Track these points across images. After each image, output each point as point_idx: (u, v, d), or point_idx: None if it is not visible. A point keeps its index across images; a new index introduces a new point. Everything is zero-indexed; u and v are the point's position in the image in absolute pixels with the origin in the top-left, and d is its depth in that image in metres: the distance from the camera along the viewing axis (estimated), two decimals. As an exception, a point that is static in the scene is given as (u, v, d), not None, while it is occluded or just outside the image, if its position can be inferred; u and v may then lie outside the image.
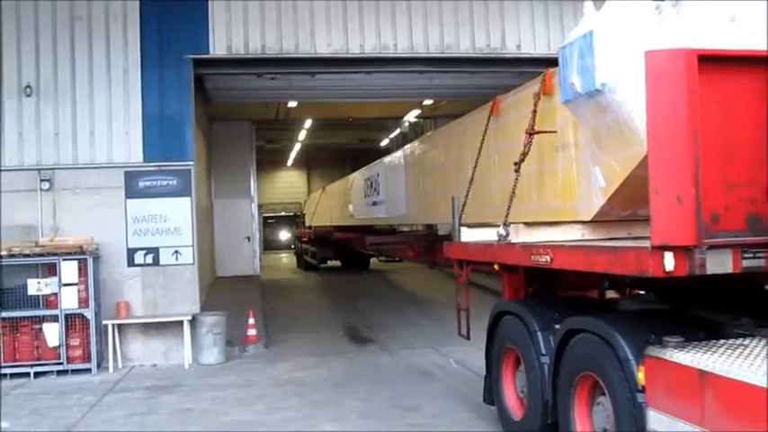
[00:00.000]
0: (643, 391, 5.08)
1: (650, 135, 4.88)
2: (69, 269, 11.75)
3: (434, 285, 21.68)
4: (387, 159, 18.70)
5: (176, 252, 12.75)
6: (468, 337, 8.61)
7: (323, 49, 13.22)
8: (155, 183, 12.72)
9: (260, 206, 52.29)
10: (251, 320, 13.57)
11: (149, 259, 12.66)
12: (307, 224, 35.93)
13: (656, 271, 4.72)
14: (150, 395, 10.42)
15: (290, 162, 49.67)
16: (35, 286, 11.71)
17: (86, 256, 11.81)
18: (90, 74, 12.60)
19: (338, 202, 26.58)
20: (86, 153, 12.55)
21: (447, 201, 9.13)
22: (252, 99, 18.61)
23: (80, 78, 12.58)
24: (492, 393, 7.88)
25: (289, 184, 53.10)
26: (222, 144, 22.68)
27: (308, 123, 30.66)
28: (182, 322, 12.39)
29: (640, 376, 5.10)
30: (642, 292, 6.45)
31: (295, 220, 44.56)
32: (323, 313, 18.78)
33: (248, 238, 23.23)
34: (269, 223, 55.33)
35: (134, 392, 10.63)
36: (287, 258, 42.55)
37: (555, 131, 7.29)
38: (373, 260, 30.41)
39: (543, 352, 6.62)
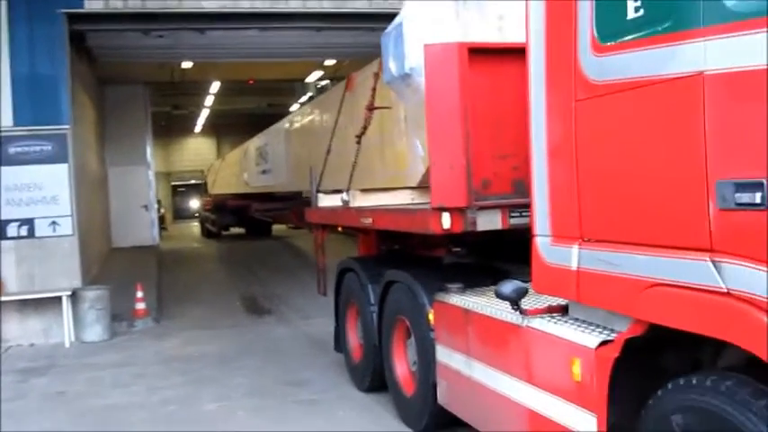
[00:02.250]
0: (433, 329, 6.07)
1: (428, 115, 5.68)
2: (-69, 244, 10.77)
3: (339, 252, 21.05)
4: (272, 128, 18.82)
5: (54, 223, 11.81)
6: (325, 294, 9.46)
7: (210, 3, 12.35)
8: (27, 149, 11.71)
9: (168, 174, 51.30)
10: (139, 294, 12.76)
11: (23, 231, 11.69)
12: (209, 192, 35.50)
13: (435, 228, 5.60)
14: (21, 378, 9.61)
15: (199, 128, 48.35)
16: None
17: (-50, 230, 10.84)
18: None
19: (235, 170, 26.51)
20: (-53, 117, 11.45)
21: (317, 169, 9.97)
22: (142, 59, 17.52)
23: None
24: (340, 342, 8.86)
25: (198, 151, 51.71)
26: (116, 109, 21.48)
27: (214, 88, 29.72)
28: (61, 298, 11.51)
29: (431, 317, 6.10)
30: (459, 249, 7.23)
31: (204, 188, 43.76)
32: (221, 283, 18.02)
33: (146, 207, 22.22)
34: (179, 192, 53.93)
35: (4, 375, 9.72)
36: (197, 227, 41.46)
37: (390, 107, 8.04)
38: (281, 227, 30.06)
39: (372, 302, 7.51)
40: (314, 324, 11.89)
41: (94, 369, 9.91)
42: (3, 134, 11.60)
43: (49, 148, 11.79)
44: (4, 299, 11.48)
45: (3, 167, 11.61)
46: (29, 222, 11.73)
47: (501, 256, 6.52)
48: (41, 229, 11.79)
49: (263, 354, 10.24)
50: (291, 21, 13.31)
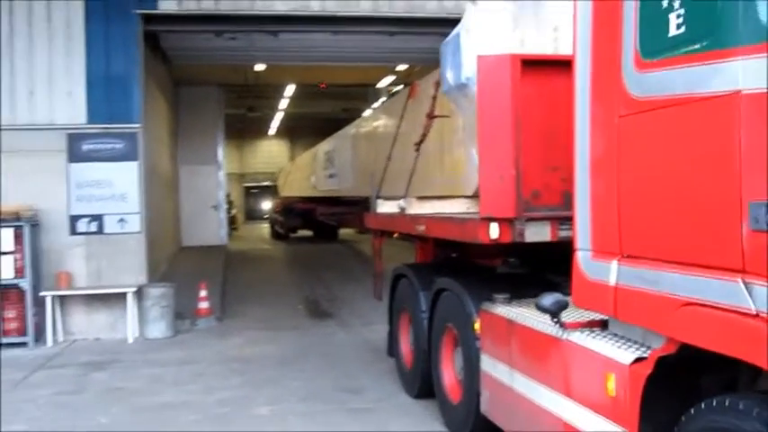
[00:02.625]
0: (479, 339, 6.18)
1: (479, 126, 5.79)
2: (4, 237, 11.24)
3: (400, 258, 21.15)
4: (340, 133, 19.33)
5: (122, 220, 12.24)
6: (380, 299, 9.78)
7: (281, 5, 12.63)
8: (100, 146, 12.17)
9: (242, 175, 52.16)
10: (202, 293, 13.09)
11: (93, 227, 12.16)
12: (279, 194, 36.31)
13: (483, 238, 5.71)
14: (83, 372, 9.97)
15: (273, 131, 49.03)
16: (-33, 255, 11.20)
17: (22, 224, 11.30)
18: (29, 28, 11.94)
19: (305, 174, 27.22)
20: (25, 113, 11.93)
21: (378, 175, 10.29)
22: (215, 61, 17.92)
23: (18, 33, 11.91)
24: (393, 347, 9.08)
25: (272, 153, 52.50)
26: (189, 109, 22.12)
27: (289, 92, 30.15)
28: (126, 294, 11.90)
29: (477, 327, 6.22)
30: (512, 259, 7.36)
31: (275, 190, 44.59)
32: (285, 285, 18.32)
33: (215, 207, 22.68)
34: (252, 193, 54.85)
35: (67, 369, 10.17)
36: (267, 229, 42.05)
37: (448, 116, 8.21)
38: (348, 231, 30.56)
39: (423, 309, 7.68)
40: (375, 330, 11.97)
41: (154, 366, 10.21)
42: (77, 131, 12.08)
43: (121, 145, 12.23)
44: (69, 293, 11.95)
45: (75, 164, 12.09)
46: (98, 218, 12.17)
47: (554, 268, 6.52)
48: (110, 225, 12.23)
49: (321, 358, 10.40)
50: (362, 24, 13.51)
